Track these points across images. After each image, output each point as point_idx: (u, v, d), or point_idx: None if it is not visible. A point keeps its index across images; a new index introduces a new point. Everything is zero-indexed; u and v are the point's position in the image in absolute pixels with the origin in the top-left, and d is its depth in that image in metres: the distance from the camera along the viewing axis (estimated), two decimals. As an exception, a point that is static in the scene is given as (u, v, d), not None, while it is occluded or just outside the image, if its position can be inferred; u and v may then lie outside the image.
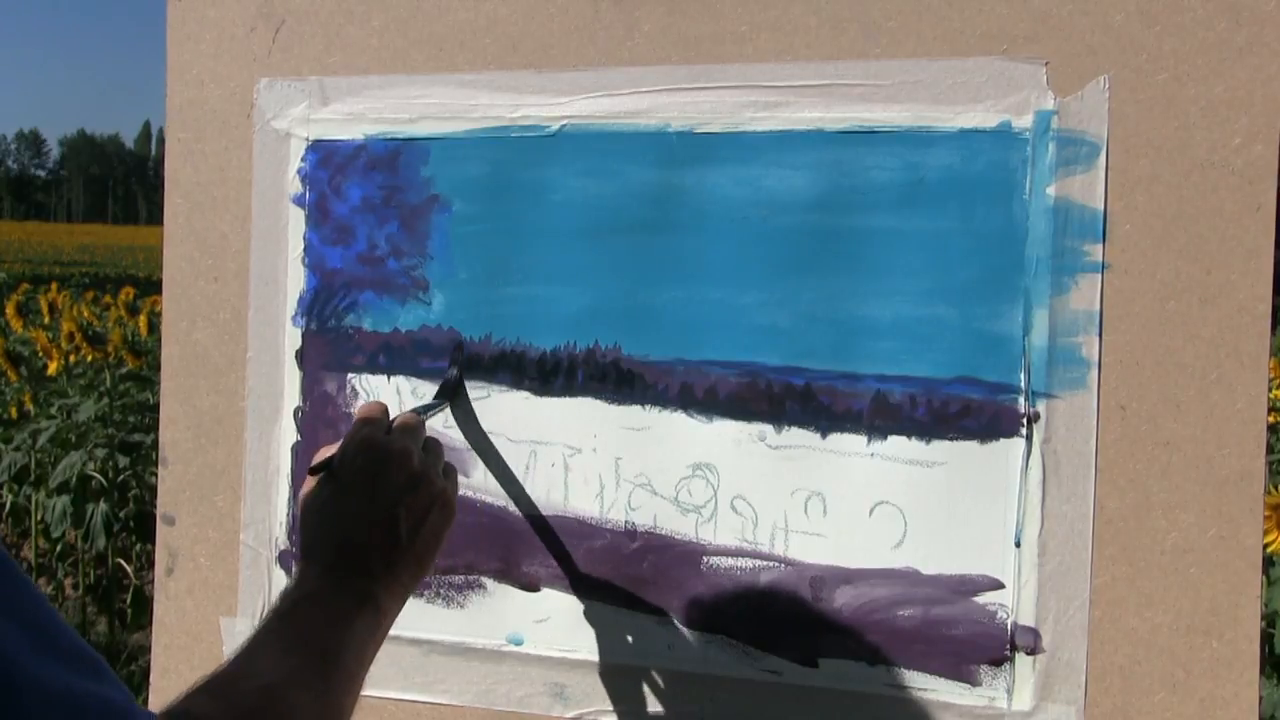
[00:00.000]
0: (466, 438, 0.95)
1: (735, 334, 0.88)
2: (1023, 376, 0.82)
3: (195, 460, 1.02)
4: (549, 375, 0.92)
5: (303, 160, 0.99)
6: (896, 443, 0.85)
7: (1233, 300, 0.79)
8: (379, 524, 0.73)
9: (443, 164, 0.95)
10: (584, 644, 0.92)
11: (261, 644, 0.66)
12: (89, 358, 3.80)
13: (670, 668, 0.91)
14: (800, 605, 0.87)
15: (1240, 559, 0.79)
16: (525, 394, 0.93)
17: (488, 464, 0.94)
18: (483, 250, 0.94)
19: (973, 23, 0.83)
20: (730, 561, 0.89)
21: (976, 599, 0.84)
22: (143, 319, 5.54)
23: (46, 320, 6.10)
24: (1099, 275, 0.81)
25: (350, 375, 0.98)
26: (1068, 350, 0.82)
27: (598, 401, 0.91)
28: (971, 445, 0.84)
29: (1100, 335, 0.81)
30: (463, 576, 0.96)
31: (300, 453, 0.99)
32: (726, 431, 0.89)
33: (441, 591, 0.96)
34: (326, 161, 0.98)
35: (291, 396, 1.00)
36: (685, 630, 0.90)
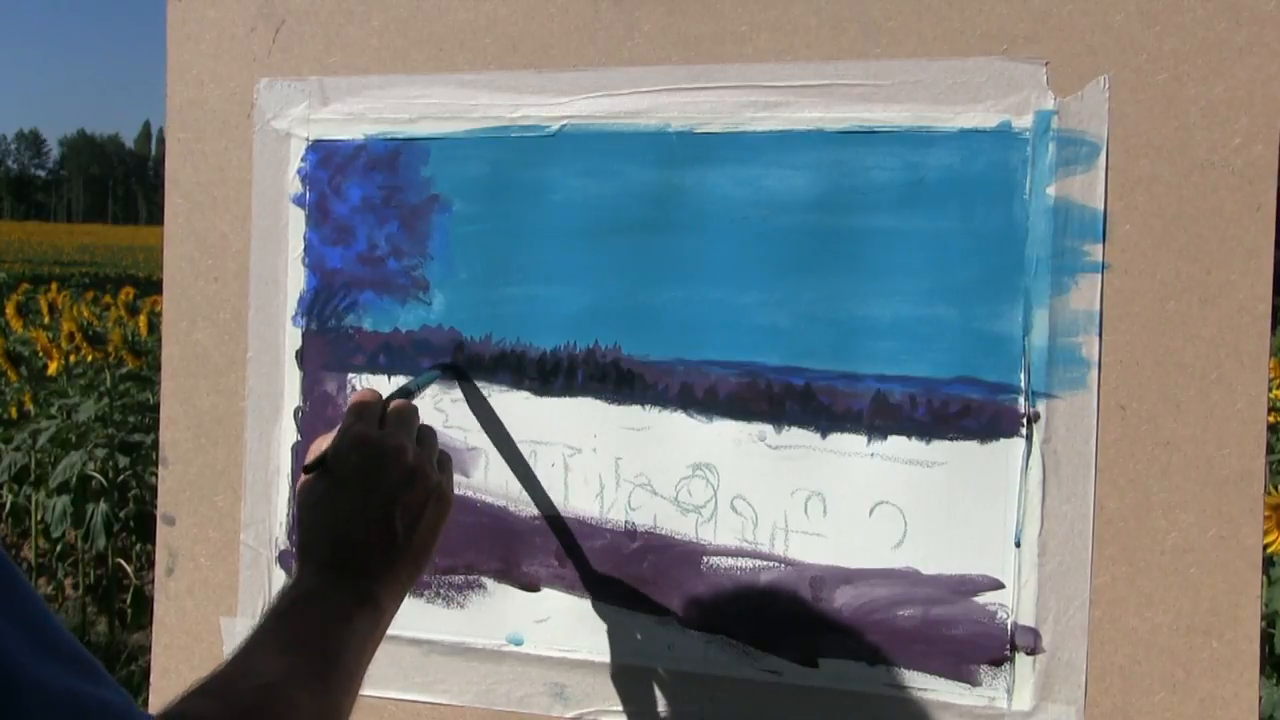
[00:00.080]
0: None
1: (735, 334, 0.88)
2: (1023, 376, 0.82)
3: (195, 460, 1.02)
4: (549, 375, 0.92)
5: (303, 160, 0.99)
6: (896, 443, 0.85)
7: (1233, 300, 0.79)
8: (375, 522, 0.73)
9: (443, 164, 0.95)
10: (584, 644, 0.92)
11: (259, 643, 0.66)
12: (89, 358, 3.81)
13: (670, 668, 0.91)
14: (800, 605, 0.87)
15: (1240, 559, 0.79)
16: (525, 394, 0.93)
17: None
18: (483, 250, 0.94)
19: (973, 23, 0.83)
20: (730, 561, 0.89)
21: (976, 599, 0.84)
22: (143, 319, 5.54)
23: (46, 320, 6.11)
24: (1099, 275, 0.81)
25: (350, 375, 0.98)
26: (1068, 350, 0.82)
27: (598, 401, 0.91)
28: (971, 445, 0.84)
29: (1100, 335, 0.81)
30: (463, 576, 0.96)
31: (300, 453, 0.99)
32: (726, 431, 0.89)
33: (441, 591, 0.96)
34: (326, 161, 0.98)
35: (291, 396, 1.00)
36: (685, 630, 0.90)
